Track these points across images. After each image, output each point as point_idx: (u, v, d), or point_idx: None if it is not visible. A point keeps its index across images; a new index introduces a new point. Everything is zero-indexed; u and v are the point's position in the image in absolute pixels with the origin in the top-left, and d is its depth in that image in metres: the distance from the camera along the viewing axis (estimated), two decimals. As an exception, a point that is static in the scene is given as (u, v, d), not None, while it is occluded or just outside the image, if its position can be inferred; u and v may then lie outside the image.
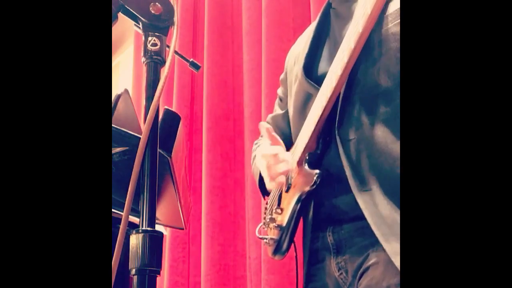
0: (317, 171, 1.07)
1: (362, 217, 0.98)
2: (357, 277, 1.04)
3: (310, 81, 1.16)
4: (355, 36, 0.97)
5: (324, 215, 1.13)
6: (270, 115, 1.44)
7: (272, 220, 1.21)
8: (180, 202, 1.15)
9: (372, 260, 1.01)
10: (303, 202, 1.12)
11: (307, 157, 1.11)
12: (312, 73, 1.18)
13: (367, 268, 1.01)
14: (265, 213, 1.37)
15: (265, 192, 1.37)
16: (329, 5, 1.26)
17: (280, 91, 1.41)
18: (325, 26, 1.24)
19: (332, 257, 1.11)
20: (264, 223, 1.32)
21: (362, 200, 0.98)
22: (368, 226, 0.96)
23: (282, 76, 1.40)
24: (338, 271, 1.09)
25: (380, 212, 0.95)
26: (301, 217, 1.17)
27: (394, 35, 0.99)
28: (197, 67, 1.28)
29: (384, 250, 0.94)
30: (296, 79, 1.23)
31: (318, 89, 1.11)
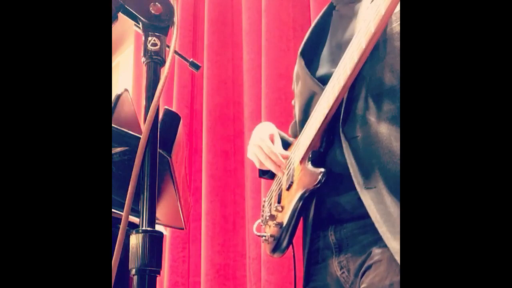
0: (322, 169, 1.07)
1: (364, 216, 0.98)
2: (360, 275, 1.04)
3: (314, 79, 1.16)
4: (367, 36, 0.96)
5: (325, 214, 1.13)
6: (290, 124, 1.45)
7: (272, 217, 1.20)
8: (180, 202, 1.15)
9: (375, 257, 1.01)
10: (305, 200, 1.12)
11: (310, 156, 1.11)
12: (312, 73, 1.18)
13: (370, 266, 1.01)
14: (262, 211, 1.36)
15: (262, 173, 1.39)
16: (331, 7, 1.27)
17: (293, 101, 1.43)
18: (326, 27, 1.25)
19: (334, 256, 1.11)
20: (262, 221, 1.32)
21: (366, 197, 0.98)
22: (370, 224, 0.96)
23: (293, 86, 1.41)
24: (340, 270, 1.09)
25: (387, 210, 0.95)
26: (302, 216, 1.17)
27: (398, 34, 1.01)
28: (197, 67, 1.28)
29: (387, 247, 0.94)
30: (297, 78, 1.24)
31: (322, 88, 1.11)
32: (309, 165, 1.11)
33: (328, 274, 1.12)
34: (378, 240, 0.97)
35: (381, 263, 0.99)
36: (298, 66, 1.25)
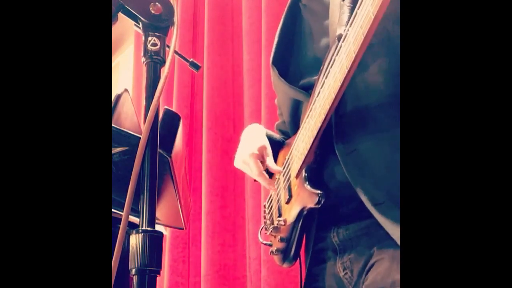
0: (320, 192, 1.05)
1: (366, 217, 0.99)
2: (363, 275, 1.04)
3: (294, 87, 1.15)
4: (357, 42, 0.91)
5: (328, 217, 1.13)
6: (276, 123, 1.43)
7: (276, 229, 1.20)
8: (180, 202, 1.15)
9: (377, 256, 1.01)
10: (306, 216, 1.12)
11: (306, 174, 1.09)
12: (292, 80, 1.16)
13: (373, 264, 1.02)
14: (264, 217, 1.35)
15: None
16: (295, 1, 1.24)
17: (276, 101, 1.40)
18: (296, 26, 1.22)
19: (337, 257, 1.11)
20: (266, 229, 1.31)
21: (377, 214, 0.97)
22: (372, 225, 0.97)
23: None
24: (343, 270, 1.09)
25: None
26: (305, 226, 1.16)
27: (381, 34, 0.99)
28: (197, 67, 1.28)
29: (389, 247, 0.94)
30: (275, 89, 1.23)
31: (305, 94, 1.10)
32: (307, 184, 1.08)
33: (331, 274, 1.12)
34: (380, 240, 0.97)
35: (383, 261, 0.99)
36: (273, 77, 1.22)
